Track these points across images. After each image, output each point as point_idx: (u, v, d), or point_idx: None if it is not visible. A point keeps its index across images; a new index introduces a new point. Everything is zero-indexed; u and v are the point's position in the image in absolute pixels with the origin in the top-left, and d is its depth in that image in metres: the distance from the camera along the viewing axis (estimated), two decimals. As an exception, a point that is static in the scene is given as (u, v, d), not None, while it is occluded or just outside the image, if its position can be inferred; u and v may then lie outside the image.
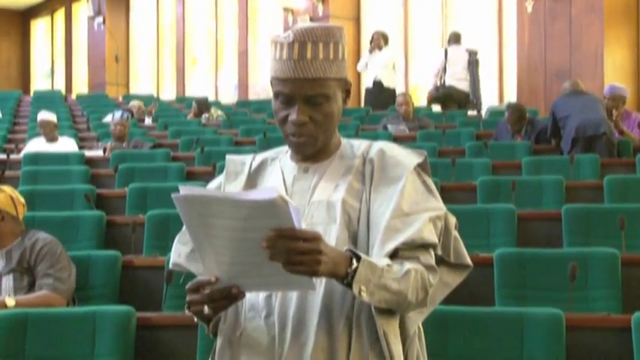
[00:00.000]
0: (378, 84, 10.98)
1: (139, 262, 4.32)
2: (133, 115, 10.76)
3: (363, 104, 11.48)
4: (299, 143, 1.74)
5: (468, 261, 1.81)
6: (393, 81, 11.16)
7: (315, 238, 1.53)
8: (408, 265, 1.66)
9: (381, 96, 10.99)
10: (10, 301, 3.50)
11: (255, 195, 1.49)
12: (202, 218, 1.53)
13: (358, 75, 12.25)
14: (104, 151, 7.60)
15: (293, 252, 1.50)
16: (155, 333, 3.46)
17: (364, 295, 1.60)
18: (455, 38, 10.71)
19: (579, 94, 7.35)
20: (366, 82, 11.14)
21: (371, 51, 11.07)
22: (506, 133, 7.81)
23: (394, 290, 1.64)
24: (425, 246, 1.70)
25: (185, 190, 1.53)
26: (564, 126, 7.04)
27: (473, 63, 10.58)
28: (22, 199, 3.89)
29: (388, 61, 11.03)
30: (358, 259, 1.60)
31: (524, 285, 3.84)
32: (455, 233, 1.80)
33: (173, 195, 1.53)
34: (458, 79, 10.53)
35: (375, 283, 1.61)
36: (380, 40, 11.07)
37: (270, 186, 1.65)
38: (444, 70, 10.54)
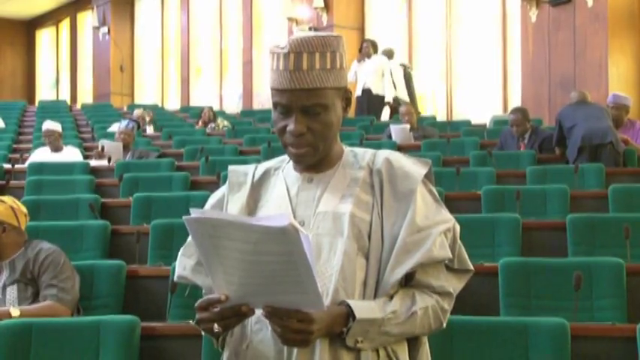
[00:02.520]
0: (366, 91, 11.00)
1: (143, 271, 4.32)
2: (139, 125, 10.78)
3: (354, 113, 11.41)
4: (298, 154, 1.74)
5: (470, 266, 1.83)
6: (383, 88, 11.17)
7: (306, 320, 1.57)
8: (416, 305, 1.71)
9: (371, 103, 11.01)
10: (15, 312, 3.50)
11: (267, 221, 1.49)
12: (213, 240, 1.54)
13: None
14: (109, 160, 7.60)
15: (286, 329, 1.56)
16: (159, 343, 3.45)
17: (361, 345, 1.66)
18: (389, 54, 11.27)
19: (586, 104, 7.35)
20: (356, 91, 11.08)
21: (360, 60, 11.09)
22: (511, 140, 7.81)
23: (397, 333, 1.70)
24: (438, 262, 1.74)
25: (196, 212, 1.54)
26: (570, 135, 7.03)
27: (407, 76, 11.13)
28: (24, 209, 3.87)
29: (377, 68, 11.07)
30: (354, 317, 1.64)
31: (529, 294, 3.84)
32: (459, 241, 1.82)
33: (184, 217, 1.54)
34: (402, 90, 11.07)
35: (375, 331, 1.66)
36: (369, 49, 11.16)
37: (282, 213, 1.65)
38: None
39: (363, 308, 1.65)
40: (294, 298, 1.55)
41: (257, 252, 1.51)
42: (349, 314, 1.64)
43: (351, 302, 1.66)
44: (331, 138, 1.76)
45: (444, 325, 1.77)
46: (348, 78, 1.82)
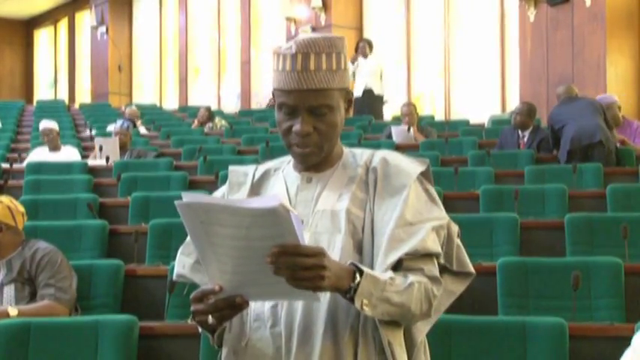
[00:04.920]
0: (368, 92, 10.94)
1: (141, 271, 4.32)
2: (135, 125, 10.77)
3: (352, 113, 11.12)
4: (304, 154, 1.75)
5: (471, 269, 1.81)
6: (382, 88, 11.14)
7: (318, 254, 1.52)
8: (411, 278, 1.67)
9: (372, 104, 10.97)
10: (13, 311, 3.50)
11: (257, 203, 1.48)
12: (205, 226, 1.53)
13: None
14: (107, 159, 7.61)
15: (297, 267, 1.50)
16: (158, 342, 3.45)
17: (366, 309, 1.61)
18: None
19: (573, 99, 7.27)
20: (355, 92, 10.89)
21: (354, 60, 10.99)
22: (510, 138, 7.79)
23: (397, 303, 1.64)
24: (429, 255, 1.71)
25: (188, 197, 1.53)
26: (561, 136, 6.97)
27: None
28: (22, 209, 3.86)
29: (376, 68, 11.02)
30: (361, 273, 1.60)
31: (527, 294, 3.84)
32: (457, 241, 1.81)
33: (176, 202, 1.53)
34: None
35: (378, 296, 1.61)
36: (366, 48, 11.09)
37: (272, 194, 1.65)
38: None
39: (367, 269, 1.63)
40: (289, 289, 1.53)
41: (249, 237, 1.50)
42: (355, 271, 1.61)
43: (356, 262, 1.63)
44: (335, 138, 1.78)
45: (432, 313, 1.72)
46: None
